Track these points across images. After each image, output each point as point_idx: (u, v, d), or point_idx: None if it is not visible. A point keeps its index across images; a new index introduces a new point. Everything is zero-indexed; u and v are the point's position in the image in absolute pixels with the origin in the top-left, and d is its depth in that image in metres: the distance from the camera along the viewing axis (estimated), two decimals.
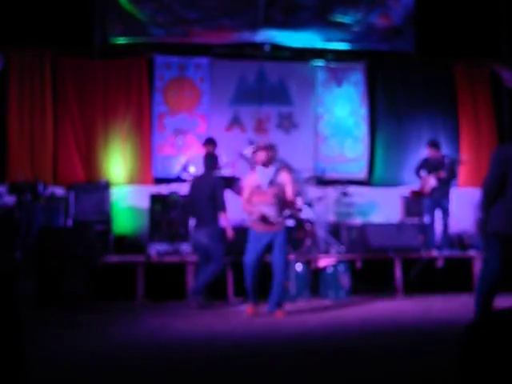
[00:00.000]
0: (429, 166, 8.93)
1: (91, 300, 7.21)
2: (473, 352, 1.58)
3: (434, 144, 9.07)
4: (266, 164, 6.42)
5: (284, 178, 6.41)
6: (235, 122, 10.09)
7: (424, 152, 9.24)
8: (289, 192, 6.38)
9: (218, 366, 4.16)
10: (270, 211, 6.27)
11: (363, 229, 8.52)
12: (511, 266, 4.90)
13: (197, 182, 7.36)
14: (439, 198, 8.74)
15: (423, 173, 8.93)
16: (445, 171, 8.68)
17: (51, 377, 3.83)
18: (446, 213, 8.77)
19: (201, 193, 7.09)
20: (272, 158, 6.44)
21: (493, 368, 1.53)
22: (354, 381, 3.72)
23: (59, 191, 8.75)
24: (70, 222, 8.52)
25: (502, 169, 4.75)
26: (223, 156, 8.58)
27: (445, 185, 8.80)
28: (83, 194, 8.60)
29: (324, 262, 7.92)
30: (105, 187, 8.86)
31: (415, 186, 9.19)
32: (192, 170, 8.52)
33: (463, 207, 9.54)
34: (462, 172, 10.25)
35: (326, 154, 10.37)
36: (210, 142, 8.54)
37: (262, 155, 6.42)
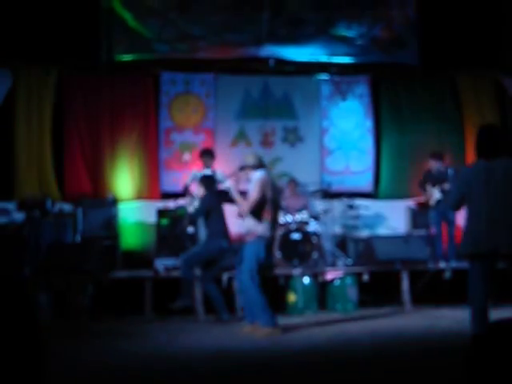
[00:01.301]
0: (432, 178, 8.93)
1: (99, 315, 7.24)
2: (479, 362, 1.59)
3: (436, 155, 9.08)
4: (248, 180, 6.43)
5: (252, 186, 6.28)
6: (241, 136, 10.15)
7: (428, 164, 9.25)
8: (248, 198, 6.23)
9: (226, 380, 4.17)
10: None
11: (370, 241, 8.53)
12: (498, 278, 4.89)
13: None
14: (445, 209, 8.73)
15: (428, 186, 8.93)
16: (448, 183, 8.68)
17: None
18: (451, 224, 8.77)
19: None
20: (249, 172, 6.37)
21: (499, 378, 1.54)
22: None
23: (67, 207, 8.80)
24: (78, 238, 8.57)
25: (464, 189, 4.78)
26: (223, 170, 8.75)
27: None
28: (91, 210, 8.65)
29: (331, 274, 7.93)
30: (112, 203, 8.91)
31: (420, 198, 9.21)
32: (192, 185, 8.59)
33: None
34: None
35: (331, 167, 10.39)
36: (206, 154, 8.72)
37: (244, 174, 6.44)
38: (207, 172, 8.67)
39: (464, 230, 4.84)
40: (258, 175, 6.26)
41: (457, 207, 4.96)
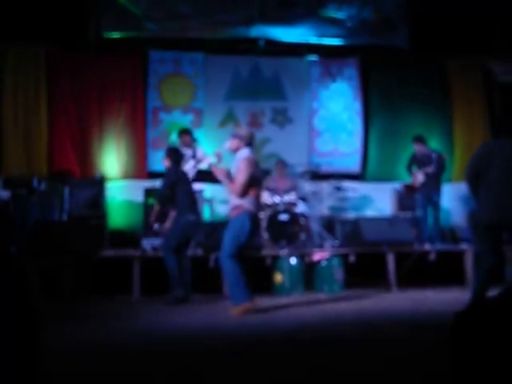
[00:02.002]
0: (417, 161, 9.04)
1: (87, 294, 7.26)
2: (461, 338, 1.63)
3: (419, 139, 9.15)
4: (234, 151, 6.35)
5: (239, 164, 6.19)
6: (229, 117, 10.13)
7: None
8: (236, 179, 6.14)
9: (215, 357, 4.21)
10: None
11: (357, 223, 8.59)
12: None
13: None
14: (430, 192, 8.81)
15: (414, 169, 9.04)
16: (431, 166, 8.76)
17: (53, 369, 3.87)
18: (437, 207, 8.87)
19: None
20: (239, 146, 6.26)
21: (481, 354, 1.58)
22: (348, 371, 3.77)
23: (54, 186, 8.76)
24: (64, 217, 8.54)
25: (480, 159, 4.95)
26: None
27: (434, 179, 8.88)
28: (78, 189, 8.62)
29: (318, 256, 7.98)
30: (99, 182, 8.88)
31: (407, 181, 9.28)
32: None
33: (456, 201, 9.64)
34: (455, 166, 10.35)
35: (320, 149, 10.42)
36: (185, 133, 8.79)
37: (233, 143, 6.32)
38: (187, 152, 8.68)
39: (480, 202, 4.97)
40: (244, 154, 6.20)
41: (474, 176, 5.06)
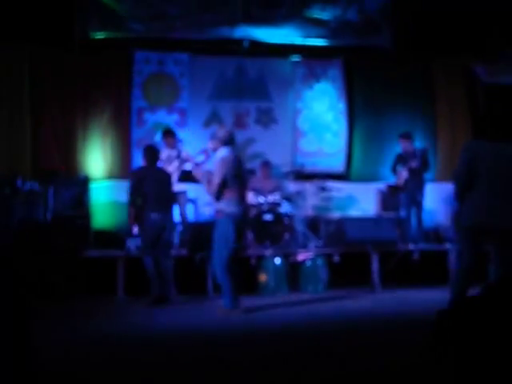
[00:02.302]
0: (402, 159, 9.08)
1: (71, 294, 7.24)
2: (443, 336, 1.66)
3: (405, 135, 9.20)
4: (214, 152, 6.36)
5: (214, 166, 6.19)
6: (214, 117, 10.14)
7: (399, 146, 9.37)
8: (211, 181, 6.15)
9: (198, 357, 4.23)
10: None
11: (341, 223, 8.63)
12: (485, 259, 5.07)
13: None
14: (413, 192, 8.85)
15: (399, 168, 9.07)
16: (415, 161, 8.81)
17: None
18: (420, 207, 8.92)
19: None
20: (217, 146, 6.27)
21: (462, 350, 1.61)
22: (332, 371, 3.80)
23: (38, 186, 8.71)
24: (48, 217, 8.50)
25: (470, 164, 4.94)
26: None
27: (418, 177, 8.92)
28: (63, 189, 8.59)
29: (302, 255, 8.01)
30: (84, 182, 8.86)
31: (392, 180, 9.34)
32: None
33: (439, 201, 9.71)
34: (438, 167, 10.43)
35: (304, 149, 10.46)
36: (169, 134, 8.76)
37: (212, 143, 6.35)
38: (170, 152, 8.67)
39: (466, 205, 4.99)
40: (220, 154, 6.17)
41: (466, 180, 4.99)
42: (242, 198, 6.26)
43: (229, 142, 6.27)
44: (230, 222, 6.05)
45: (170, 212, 7.34)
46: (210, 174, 6.16)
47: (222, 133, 6.32)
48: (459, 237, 5.17)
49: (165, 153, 8.61)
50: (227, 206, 6.08)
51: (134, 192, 7.23)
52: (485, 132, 5.03)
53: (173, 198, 7.55)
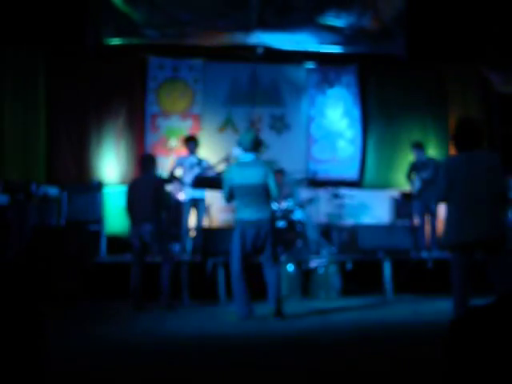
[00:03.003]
0: (415, 168, 9.06)
1: (85, 299, 7.25)
2: (456, 347, 1.64)
3: (417, 145, 9.19)
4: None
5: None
6: (228, 122, 10.17)
7: (412, 155, 9.35)
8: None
9: (210, 361, 4.22)
10: None
11: (354, 230, 8.61)
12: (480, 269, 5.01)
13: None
14: (427, 200, 8.83)
15: (413, 176, 9.05)
16: (427, 171, 8.78)
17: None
18: (433, 215, 8.88)
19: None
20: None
21: (476, 362, 1.59)
22: (343, 377, 3.79)
23: (52, 191, 8.77)
24: (62, 222, 8.56)
25: (449, 178, 4.89)
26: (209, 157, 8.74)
27: (431, 187, 8.88)
28: (76, 194, 8.64)
29: (315, 262, 7.98)
30: (97, 187, 8.90)
31: (405, 188, 9.31)
32: (178, 172, 8.59)
33: None
34: None
35: (317, 156, 10.45)
36: (191, 141, 8.71)
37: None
38: (192, 159, 8.69)
39: (446, 221, 4.94)
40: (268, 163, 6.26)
41: (445, 199, 4.99)
42: (253, 205, 6.06)
43: (259, 146, 6.22)
44: (242, 228, 6.03)
45: (157, 221, 7.07)
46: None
47: (250, 140, 6.11)
48: (450, 253, 5.05)
49: (187, 160, 8.62)
50: (235, 212, 6.14)
51: (126, 202, 7.19)
52: (458, 144, 4.97)
53: (161, 206, 7.15)
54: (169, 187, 8.74)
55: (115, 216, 9.29)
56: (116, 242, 8.80)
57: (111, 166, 9.79)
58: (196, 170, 8.60)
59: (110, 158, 9.80)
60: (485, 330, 1.55)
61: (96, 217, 8.66)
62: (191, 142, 8.81)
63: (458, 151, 4.95)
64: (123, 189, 9.49)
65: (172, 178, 8.61)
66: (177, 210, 8.59)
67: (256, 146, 6.15)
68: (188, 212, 8.56)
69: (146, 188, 7.04)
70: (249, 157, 6.13)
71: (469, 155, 4.84)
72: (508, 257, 4.90)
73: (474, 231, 4.73)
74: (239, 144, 6.17)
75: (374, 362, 4.23)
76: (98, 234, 8.50)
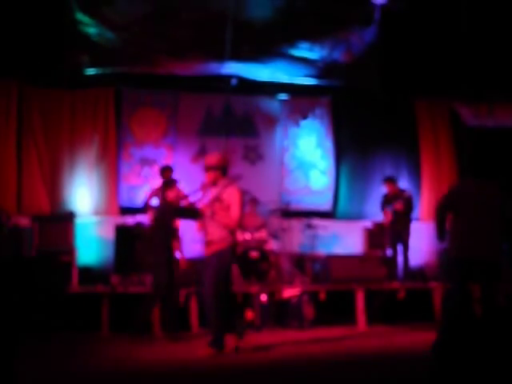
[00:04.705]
0: (387, 200, 9.20)
1: (55, 330, 7.15)
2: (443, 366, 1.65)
3: (389, 179, 9.36)
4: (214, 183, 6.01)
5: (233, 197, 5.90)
6: (202, 153, 10.17)
7: (384, 188, 9.49)
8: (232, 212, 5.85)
9: None
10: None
11: (327, 260, 8.64)
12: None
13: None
14: (399, 231, 8.94)
15: (387, 208, 9.17)
16: (400, 203, 8.92)
17: None
18: (406, 246, 8.98)
19: None
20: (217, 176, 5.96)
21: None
22: None
23: (23, 221, 8.67)
24: (33, 253, 8.44)
25: (451, 199, 5.20)
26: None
27: (403, 218, 9.03)
28: (48, 225, 8.54)
29: (288, 292, 7.99)
30: (69, 218, 8.81)
31: (377, 218, 9.40)
32: (154, 202, 8.56)
33: (424, 241, 9.76)
34: (423, 206, 10.52)
35: (291, 186, 10.51)
36: (166, 170, 8.71)
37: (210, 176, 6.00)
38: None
39: (452, 238, 5.15)
40: (236, 186, 5.99)
41: (444, 216, 5.27)
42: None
43: (227, 168, 6.05)
44: (229, 253, 5.83)
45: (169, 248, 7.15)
46: (223, 206, 5.81)
47: (217, 160, 5.99)
48: (449, 274, 5.22)
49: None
50: (230, 237, 5.82)
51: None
52: (470, 171, 5.23)
53: (172, 232, 7.35)
54: (144, 217, 8.73)
55: (88, 246, 9.20)
56: (88, 273, 8.70)
57: (83, 195, 9.71)
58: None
59: (82, 187, 9.73)
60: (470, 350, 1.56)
61: (68, 247, 8.55)
62: (167, 172, 8.80)
63: (468, 178, 5.25)
64: (96, 219, 9.48)
65: (147, 207, 8.59)
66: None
67: (227, 166, 6.05)
68: None
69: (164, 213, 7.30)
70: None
71: (477, 183, 5.11)
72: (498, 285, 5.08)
73: (478, 250, 4.99)
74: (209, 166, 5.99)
75: None
76: (69, 265, 8.39)
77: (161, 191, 7.76)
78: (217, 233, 5.82)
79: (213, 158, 6.05)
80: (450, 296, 5.11)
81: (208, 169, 5.98)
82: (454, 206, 5.16)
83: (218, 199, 5.86)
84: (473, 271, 5.01)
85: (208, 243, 5.87)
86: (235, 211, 5.79)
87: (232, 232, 5.85)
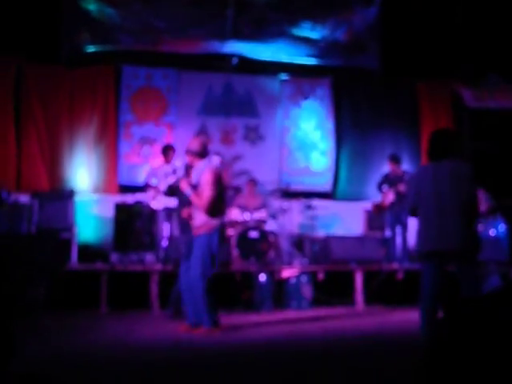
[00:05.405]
0: (389, 180, 9.13)
1: (54, 308, 7.18)
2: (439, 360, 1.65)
3: (394, 158, 9.27)
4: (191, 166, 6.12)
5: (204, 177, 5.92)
6: (202, 132, 10.15)
7: (386, 167, 9.44)
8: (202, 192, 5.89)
9: (180, 370, 4.21)
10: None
11: (326, 241, 8.65)
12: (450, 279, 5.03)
13: None
14: (399, 212, 8.92)
15: (385, 188, 9.11)
16: (403, 185, 8.88)
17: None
18: (404, 227, 8.96)
19: None
20: (193, 158, 6.02)
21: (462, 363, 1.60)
22: None
23: (23, 198, 8.67)
24: (33, 230, 8.45)
25: (416, 189, 4.94)
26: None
27: (404, 199, 8.99)
28: (47, 202, 8.54)
29: (287, 273, 8.01)
30: (69, 195, 8.81)
31: (377, 200, 9.38)
32: (154, 181, 8.53)
33: None
34: None
35: (291, 167, 10.50)
36: (168, 149, 8.70)
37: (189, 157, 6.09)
38: (167, 168, 8.64)
39: (417, 230, 4.98)
40: (208, 167, 5.95)
41: (414, 211, 5.02)
42: (222, 211, 6.07)
43: (205, 153, 6.08)
44: (214, 236, 5.89)
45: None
46: (194, 187, 5.91)
47: (195, 146, 6.06)
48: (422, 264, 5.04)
49: (162, 168, 8.58)
50: (212, 220, 5.89)
51: None
52: (429, 155, 5.02)
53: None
54: (143, 196, 8.73)
55: (87, 225, 9.22)
56: (87, 251, 8.72)
57: (83, 173, 9.70)
58: (171, 179, 8.56)
59: (81, 165, 9.71)
60: (466, 337, 1.56)
61: (67, 225, 8.56)
62: (169, 151, 8.78)
63: (428, 161, 5.00)
64: (95, 198, 9.48)
65: (147, 187, 8.58)
66: (150, 218, 8.55)
67: (205, 151, 6.09)
68: (162, 221, 8.52)
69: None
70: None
71: (435, 165, 4.89)
72: (476, 268, 4.93)
73: (438, 241, 4.75)
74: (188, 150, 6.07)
75: (341, 374, 4.25)
76: (69, 242, 8.40)
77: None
78: (198, 217, 5.93)
79: (191, 143, 6.15)
80: (424, 287, 4.90)
81: (186, 152, 6.12)
82: (418, 196, 4.91)
83: (192, 181, 5.98)
84: (445, 262, 4.87)
85: (194, 227, 6.00)
86: (206, 192, 5.83)
87: (215, 215, 5.89)
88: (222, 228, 6.06)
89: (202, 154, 6.06)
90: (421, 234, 4.89)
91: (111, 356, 4.89)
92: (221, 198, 6.01)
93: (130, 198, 9.08)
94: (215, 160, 6.19)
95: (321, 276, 8.19)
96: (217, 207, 5.92)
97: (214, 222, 5.91)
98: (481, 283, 5.23)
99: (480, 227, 8.05)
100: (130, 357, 4.84)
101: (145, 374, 4.17)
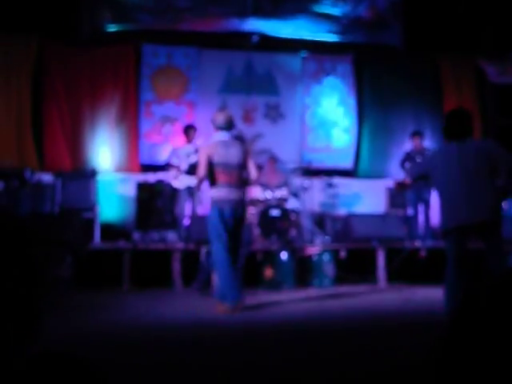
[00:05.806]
0: (411, 158, 9.05)
1: (78, 286, 7.26)
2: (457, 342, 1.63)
3: (418, 133, 9.19)
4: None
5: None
6: (223, 110, 10.10)
7: (408, 144, 9.35)
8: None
9: (200, 350, 4.23)
10: None
11: (348, 219, 8.62)
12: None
13: None
14: (421, 190, 8.84)
15: (407, 165, 9.04)
16: None
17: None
18: (427, 205, 8.90)
19: None
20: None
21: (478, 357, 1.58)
22: (335, 363, 3.80)
23: (46, 178, 8.74)
24: (56, 209, 8.52)
25: (429, 167, 5.03)
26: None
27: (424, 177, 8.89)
28: (70, 182, 8.60)
29: (309, 251, 8.01)
30: (91, 175, 8.86)
31: (399, 178, 9.29)
32: (176, 161, 8.54)
33: None
34: None
35: (312, 145, 10.44)
36: (190, 129, 8.69)
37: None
38: (189, 147, 8.65)
39: (442, 208, 4.95)
40: (207, 141, 6.08)
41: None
42: (232, 185, 5.89)
43: (224, 126, 6.01)
44: (214, 209, 5.81)
45: None
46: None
47: (219, 119, 6.05)
48: (447, 244, 5.02)
49: (184, 148, 8.60)
50: (213, 192, 5.86)
51: None
52: (447, 134, 5.00)
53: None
54: (165, 175, 8.75)
55: (109, 203, 9.28)
56: (110, 230, 8.79)
57: (105, 153, 9.75)
58: (193, 159, 8.57)
59: (103, 145, 9.76)
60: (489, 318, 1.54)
61: (90, 204, 8.62)
62: (191, 131, 8.78)
63: (449, 140, 4.95)
64: (117, 176, 9.53)
65: (168, 166, 8.60)
66: (172, 197, 8.59)
67: (231, 124, 6.10)
68: (184, 200, 8.55)
69: None
70: (226, 136, 6.06)
71: (459, 144, 4.85)
72: (502, 243, 4.91)
73: (467, 215, 4.73)
74: (214, 122, 6.08)
75: (363, 352, 4.25)
76: (91, 221, 8.48)
77: None
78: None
79: (215, 117, 6.16)
80: (449, 265, 4.90)
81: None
82: (431, 171, 4.98)
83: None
84: (471, 236, 4.88)
85: None
86: (198, 166, 5.90)
87: (219, 189, 5.84)
88: (224, 203, 5.86)
89: (227, 128, 6.05)
90: (447, 211, 4.88)
91: (134, 333, 4.93)
92: (225, 172, 5.89)
93: (151, 177, 9.11)
94: (219, 136, 6.05)
95: (343, 254, 8.17)
96: (213, 178, 5.87)
97: (213, 197, 5.88)
98: (507, 258, 5.21)
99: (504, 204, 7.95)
100: (154, 334, 4.88)
101: (168, 351, 4.20)
